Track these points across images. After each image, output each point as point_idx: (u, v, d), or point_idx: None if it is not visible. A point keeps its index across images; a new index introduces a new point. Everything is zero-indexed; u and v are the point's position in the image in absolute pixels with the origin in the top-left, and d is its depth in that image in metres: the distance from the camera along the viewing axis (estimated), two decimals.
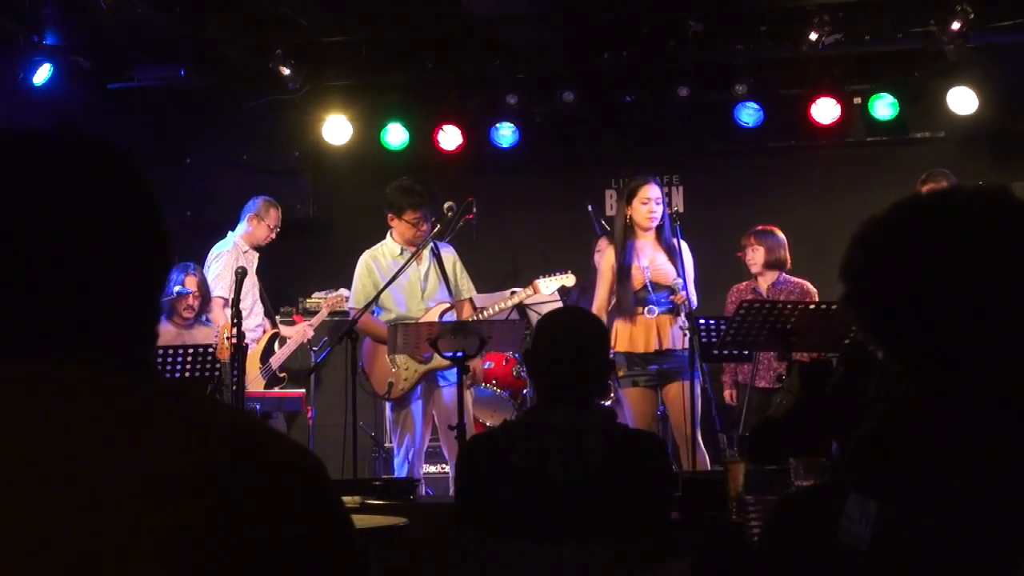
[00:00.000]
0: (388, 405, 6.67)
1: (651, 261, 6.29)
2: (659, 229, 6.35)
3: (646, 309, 6.23)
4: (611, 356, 6.26)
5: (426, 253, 6.59)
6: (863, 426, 1.47)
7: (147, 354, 1.20)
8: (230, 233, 7.47)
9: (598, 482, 2.94)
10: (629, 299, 6.26)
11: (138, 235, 1.19)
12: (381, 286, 6.41)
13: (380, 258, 6.59)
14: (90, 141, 1.19)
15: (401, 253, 6.52)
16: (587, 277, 7.70)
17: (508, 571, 2.98)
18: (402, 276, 6.44)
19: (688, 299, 6.11)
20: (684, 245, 6.40)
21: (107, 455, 1.07)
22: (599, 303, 6.40)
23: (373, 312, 6.56)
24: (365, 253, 6.68)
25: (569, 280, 6.73)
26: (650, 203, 6.29)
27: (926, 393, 1.39)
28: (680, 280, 6.19)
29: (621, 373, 6.28)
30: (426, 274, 6.58)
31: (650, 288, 6.21)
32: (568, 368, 3.09)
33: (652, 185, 6.35)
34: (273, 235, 7.48)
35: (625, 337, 6.23)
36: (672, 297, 6.21)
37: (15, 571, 1.02)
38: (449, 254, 6.68)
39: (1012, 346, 1.34)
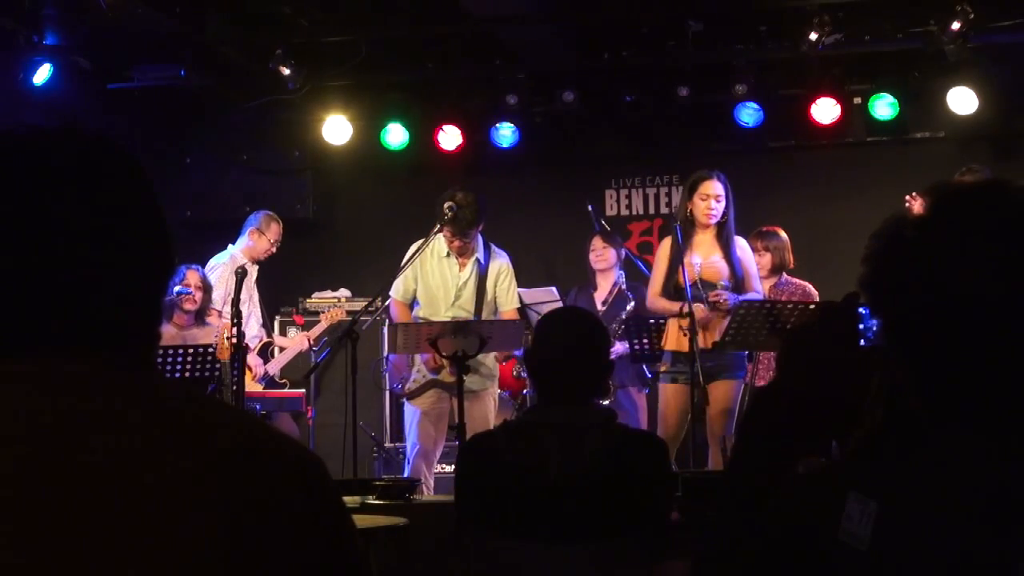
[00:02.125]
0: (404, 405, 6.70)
1: (705, 258, 6.12)
2: (720, 226, 6.16)
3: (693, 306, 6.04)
4: (660, 354, 6.22)
5: (471, 262, 6.55)
6: (863, 426, 1.46)
7: (150, 354, 1.20)
8: (230, 246, 7.48)
9: (598, 482, 2.94)
10: (676, 293, 6.05)
11: (143, 235, 1.19)
12: (419, 280, 6.45)
13: (428, 253, 6.51)
14: (95, 141, 1.19)
15: (447, 255, 6.51)
16: (585, 278, 7.70)
17: (507, 571, 2.99)
18: (444, 278, 6.45)
19: (729, 299, 5.94)
20: (743, 242, 6.28)
21: (114, 453, 1.07)
22: (654, 290, 6.23)
23: (415, 304, 6.58)
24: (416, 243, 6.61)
25: None
26: (709, 199, 6.09)
27: (928, 389, 1.38)
28: (724, 282, 6.03)
29: (664, 368, 6.18)
30: (465, 282, 6.55)
31: (700, 286, 6.00)
32: (568, 368, 3.09)
33: (715, 181, 6.13)
34: (273, 249, 7.50)
35: (674, 336, 6.06)
36: (711, 294, 6.00)
37: (26, 566, 1.02)
38: (497, 265, 6.58)
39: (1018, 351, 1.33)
